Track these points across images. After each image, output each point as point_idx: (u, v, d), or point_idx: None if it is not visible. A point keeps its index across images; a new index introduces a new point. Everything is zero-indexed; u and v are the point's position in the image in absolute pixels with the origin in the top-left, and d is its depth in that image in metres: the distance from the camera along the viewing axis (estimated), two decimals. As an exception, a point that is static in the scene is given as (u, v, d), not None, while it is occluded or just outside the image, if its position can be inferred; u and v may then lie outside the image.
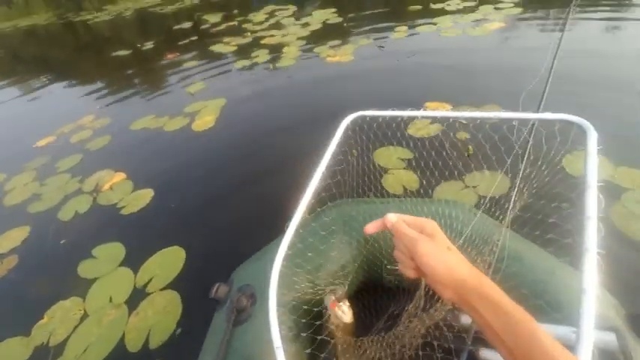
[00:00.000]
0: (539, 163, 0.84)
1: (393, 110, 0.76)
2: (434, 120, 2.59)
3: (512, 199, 0.88)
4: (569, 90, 2.49)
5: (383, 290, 1.13)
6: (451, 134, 2.41)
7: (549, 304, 0.70)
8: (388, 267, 1.05)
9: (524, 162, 1.03)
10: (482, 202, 1.04)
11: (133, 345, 1.44)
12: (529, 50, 3.28)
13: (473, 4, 5.15)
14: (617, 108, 2.44)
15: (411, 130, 2.54)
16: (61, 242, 2.21)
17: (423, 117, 0.80)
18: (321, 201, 1.29)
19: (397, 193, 1.99)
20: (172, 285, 1.67)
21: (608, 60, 3.11)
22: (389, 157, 2.33)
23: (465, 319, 0.83)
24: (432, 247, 0.43)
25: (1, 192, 2.87)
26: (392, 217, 0.48)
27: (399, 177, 2.11)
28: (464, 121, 0.76)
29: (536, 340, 0.36)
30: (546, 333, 0.36)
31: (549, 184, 0.84)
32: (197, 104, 3.62)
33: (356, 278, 1.09)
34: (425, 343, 0.80)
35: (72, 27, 10.31)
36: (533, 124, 1.03)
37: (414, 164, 2.22)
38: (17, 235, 2.37)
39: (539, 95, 1.25)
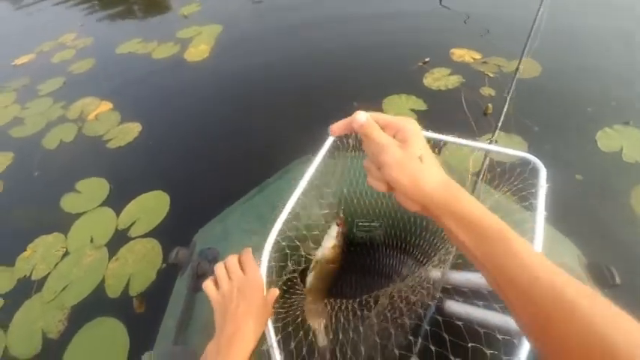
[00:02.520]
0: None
1: None
2: (454, 71, 2.29)
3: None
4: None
5: (353, 246, 1.12)
6: (472, 89, 2.15)
7: None
8: (359, 223, 1.04)
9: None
10: (484, 165, 0.92)
11: (113, 291, 1.41)
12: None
13: None
14: None
15: (428, 80, 2.25)
16: (35, 174, 2.11)
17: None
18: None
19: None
20: (154, 232, 1.59)
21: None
22: (400, 106, 2.10)
23: (435, 274, 0.78)
24: (399, 157, 0.36)
25: (-20, 113, 2.69)
26: (361, 117, 0.39)
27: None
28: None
29: (512, 255, 0.31)
30: (523, 242, 0.32)
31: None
32: (190, 29, 3.22)
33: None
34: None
35: None
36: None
37: (427, 118, 2.01)
38: (1, 161, 2.27)
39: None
